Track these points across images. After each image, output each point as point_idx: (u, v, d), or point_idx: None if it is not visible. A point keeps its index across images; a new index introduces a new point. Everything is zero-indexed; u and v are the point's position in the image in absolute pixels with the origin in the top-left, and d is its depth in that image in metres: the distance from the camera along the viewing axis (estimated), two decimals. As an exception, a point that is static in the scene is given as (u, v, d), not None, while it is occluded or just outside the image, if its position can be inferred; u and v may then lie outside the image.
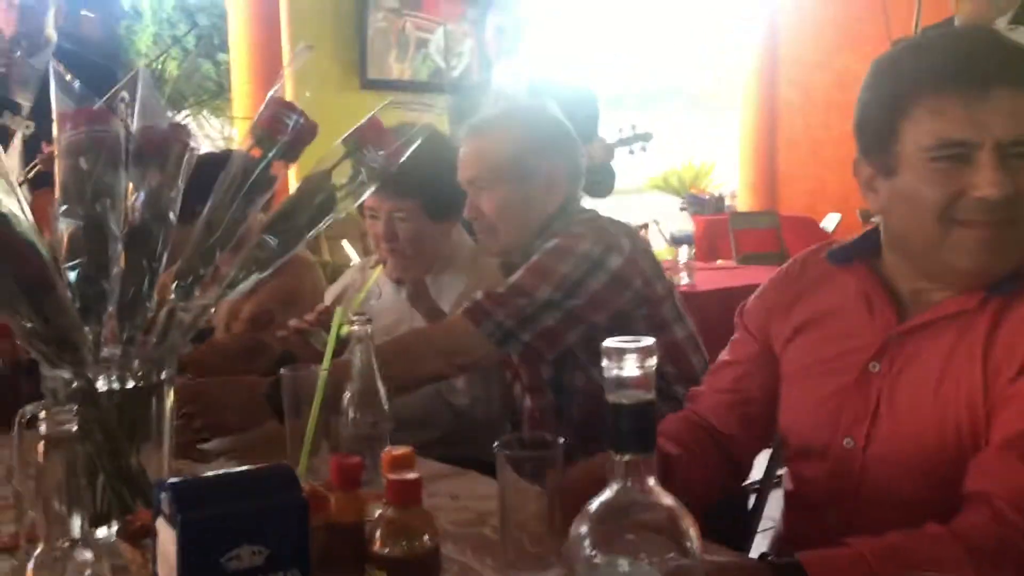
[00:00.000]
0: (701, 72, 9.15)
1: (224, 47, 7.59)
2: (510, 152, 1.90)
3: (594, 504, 0.68)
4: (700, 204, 6.97)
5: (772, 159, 7.99)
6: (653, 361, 0.65)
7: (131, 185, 1.33)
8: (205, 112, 8.33)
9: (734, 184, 8.16)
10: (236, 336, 2.35)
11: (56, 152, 1.30)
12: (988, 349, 1.17)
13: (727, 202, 7.25)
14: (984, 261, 1.17)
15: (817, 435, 1.30)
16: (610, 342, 0.66)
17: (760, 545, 1.66)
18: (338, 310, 1.39)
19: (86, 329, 1.22)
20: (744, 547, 1.81)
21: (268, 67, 5.41)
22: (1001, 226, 1.15)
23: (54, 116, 1.31)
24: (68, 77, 1.31)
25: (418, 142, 1.40)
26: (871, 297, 1.29)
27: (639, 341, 0.65)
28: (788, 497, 1.44)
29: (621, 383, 0.66)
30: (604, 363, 0.66)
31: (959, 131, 1.13)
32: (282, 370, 1.42)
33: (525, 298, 1.75)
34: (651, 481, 0.66)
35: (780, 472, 2.04)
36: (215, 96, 8.52)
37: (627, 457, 0.66)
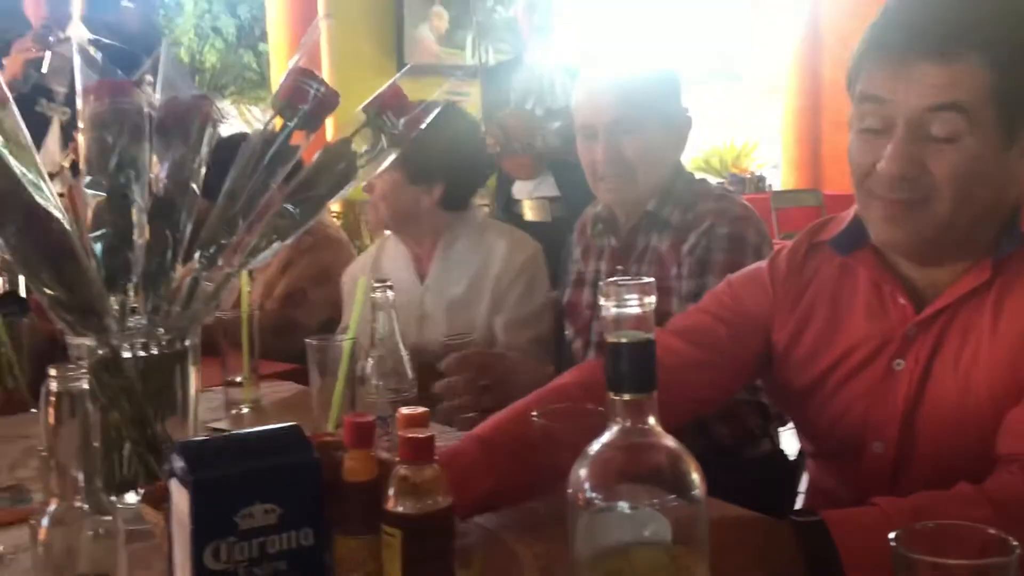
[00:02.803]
0: (744, 52, 9.03)
1: (264, 37, 7.65)
2: (657, 93, 1.87)
3: (594, 446, 0.66)
4: (740, 184, 6.89)
5: (816, 139, 7.85)
6: (652, 300, 0.63)
7: (155, 156, 1.34)
8: (246, 102, 8.41)
9: (776, 166, 8.05)
10: (270, 313, 2.37)
11: (81, 124, 1.31)
12: (1002, 322, 1.10)
13: (768, 182, 7.15)
14: (890, 235, 1.13)
15: (845, 442, 1.22)
16: (610, 280, 0.64)
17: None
18: (361, 279, 1.38)
19: (111, 298, 1.24)
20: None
21: (307, 55, 5.44)
22: (901, 205, 1.10)
23: (78, 90, 1.32)
24: (92, 51, 1.33)
25: (436, 111, 1.40)
26: (882, 287, 1.19)
27: (639, 279, 0.64)
28: (813, 492, 1.38)
29: (620, 322, 0.64)
30: (602, 301, 0.65)
31: (879, 89, 1.09)
32: (306, 339, 1.42)
33: None
34: (652, 421, 0.65)
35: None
36: (256, 86, 8.59)
37: (627, 397, 0.64)
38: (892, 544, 0.67)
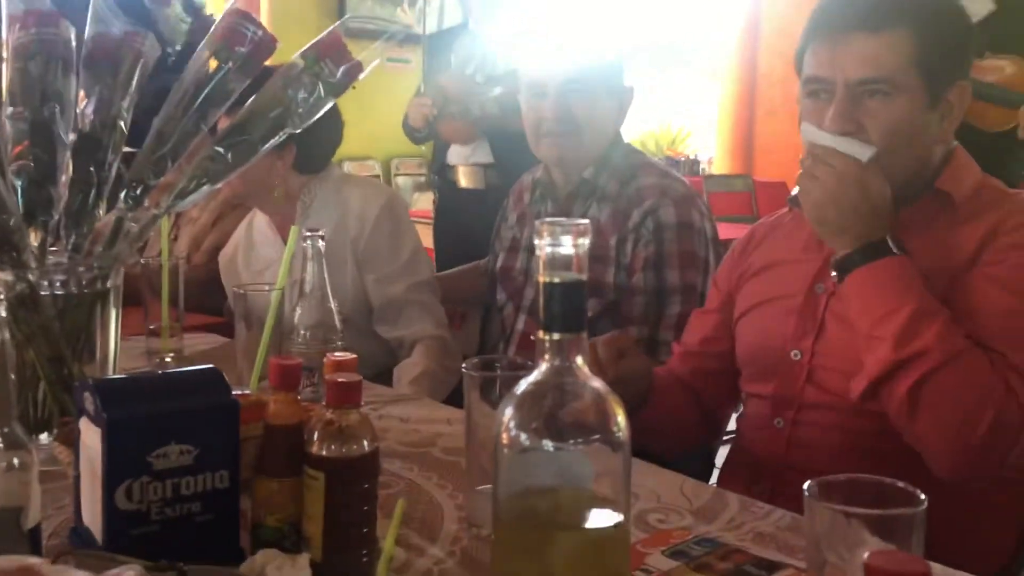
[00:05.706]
0: (684, 39, 9.10)
1: (201, -8, 7.47)
2: (606, 62, 1.93)
3: (521, 386, 0.66)
4: (675, 166, 6.95)
5: (750, 127, 7.97)
6: (587, 240, 0.64)
7: (82, 91, 1.30)
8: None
9: (711, 151, 8.15)
10: (197, 267, 2.33)
11: (5, 53, 1.26)
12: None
13: (702, 167, 7.24)
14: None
15: (769, 352, 1.39)
16: (546, 220, 0.64)
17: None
18: (293, 228, 1.36)
19: (31, 233, 1.20)
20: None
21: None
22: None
23: (3, 17, 1.28)
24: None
25: (376, 61, 1.38)
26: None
27: (575, 220, 0.64)
28: (739, 419, 1.52)
29: (555, 262, 0.64)
30: (537, 241, 0.65)
31: (821, 69, 1.28)
32: (234, 287, 1.40)
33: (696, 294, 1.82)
34: (579, 361, 0.65)
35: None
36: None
37: (556, 336, 0.65)
38: (805, 494, 0.69)
